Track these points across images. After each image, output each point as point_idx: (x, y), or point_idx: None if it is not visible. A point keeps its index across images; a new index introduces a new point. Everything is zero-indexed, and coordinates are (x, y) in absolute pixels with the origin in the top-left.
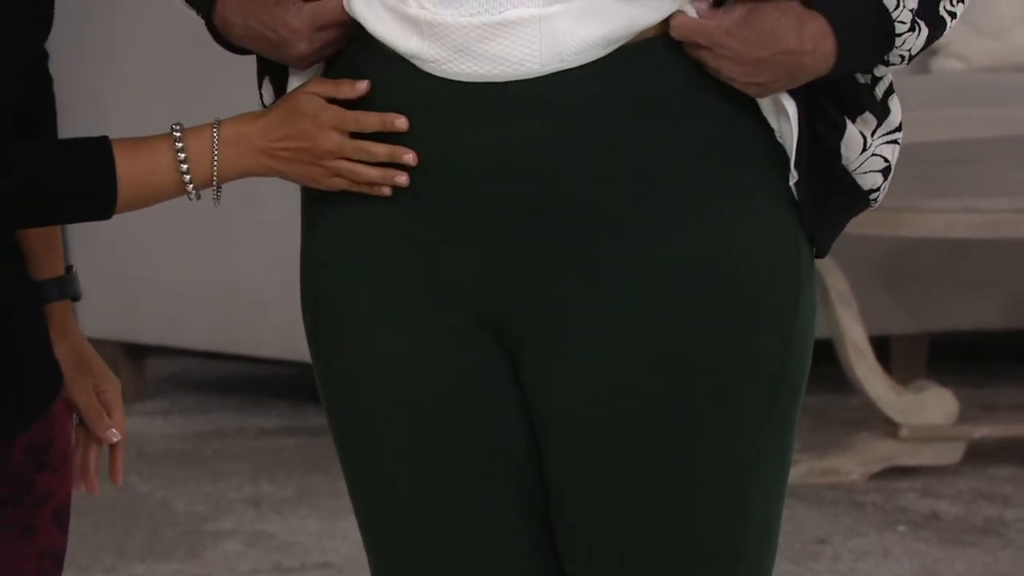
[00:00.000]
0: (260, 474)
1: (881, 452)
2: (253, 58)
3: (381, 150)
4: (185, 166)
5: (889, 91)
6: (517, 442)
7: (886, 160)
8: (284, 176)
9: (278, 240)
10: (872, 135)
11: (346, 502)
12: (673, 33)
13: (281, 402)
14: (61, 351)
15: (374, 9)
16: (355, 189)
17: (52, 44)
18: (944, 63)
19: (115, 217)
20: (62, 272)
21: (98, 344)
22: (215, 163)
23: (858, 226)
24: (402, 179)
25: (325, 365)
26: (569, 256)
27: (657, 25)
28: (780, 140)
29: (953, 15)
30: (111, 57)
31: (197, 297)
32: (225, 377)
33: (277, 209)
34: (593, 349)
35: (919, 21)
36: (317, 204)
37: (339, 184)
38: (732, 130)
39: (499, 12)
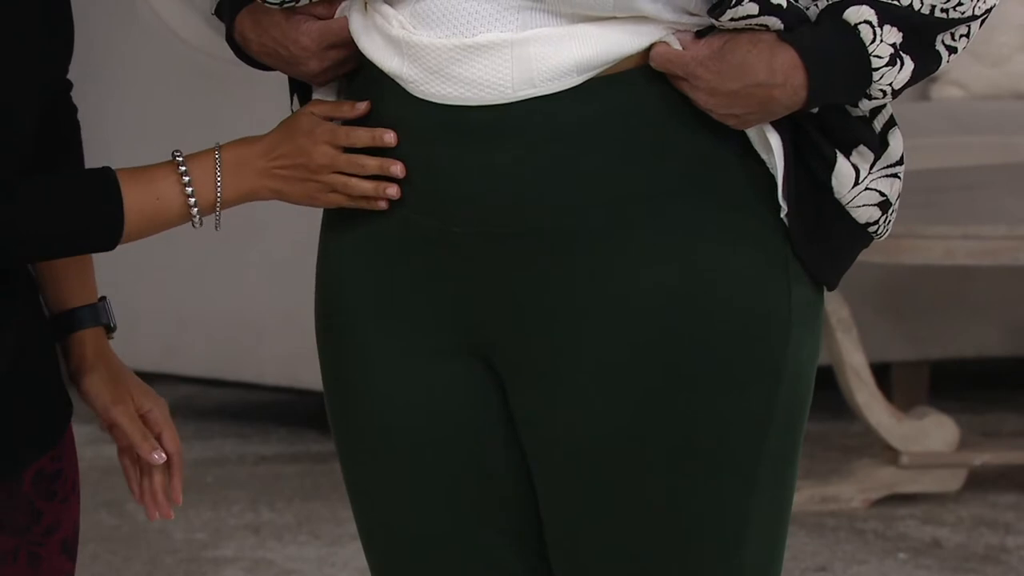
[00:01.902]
0: (260, 501)
1: (882, 479)
2: (253, 87)
3: (372, 162)
4: (190, 189)
5: (890, 124)
6: (510, 472)
7: (882, 194)
8: (285, 197)
9: (279, 267)
10: (870, 169)
11: (346, 529)
12: (652, 63)
13: (281, 429)
14: (97, 378)
15: (367, 30)
16: (351, 204)
17: None
18: (944, 91)
19: None
20: (95, 300)
21: None
22: (219, 187)
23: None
24: (393, 191)
25: (329, 390)
26: (546, 286)
27: (638, 55)
28: (773, 172)
29: (953, 50)
30: (113, 87)
31: (197, 324)
32: (225, 404)
33: (278, 236)
34: (575, 383)
35: (903, 55)
36: (331, 230)
37: (336, 199)
38: (715, 162)
39: (472, 35)
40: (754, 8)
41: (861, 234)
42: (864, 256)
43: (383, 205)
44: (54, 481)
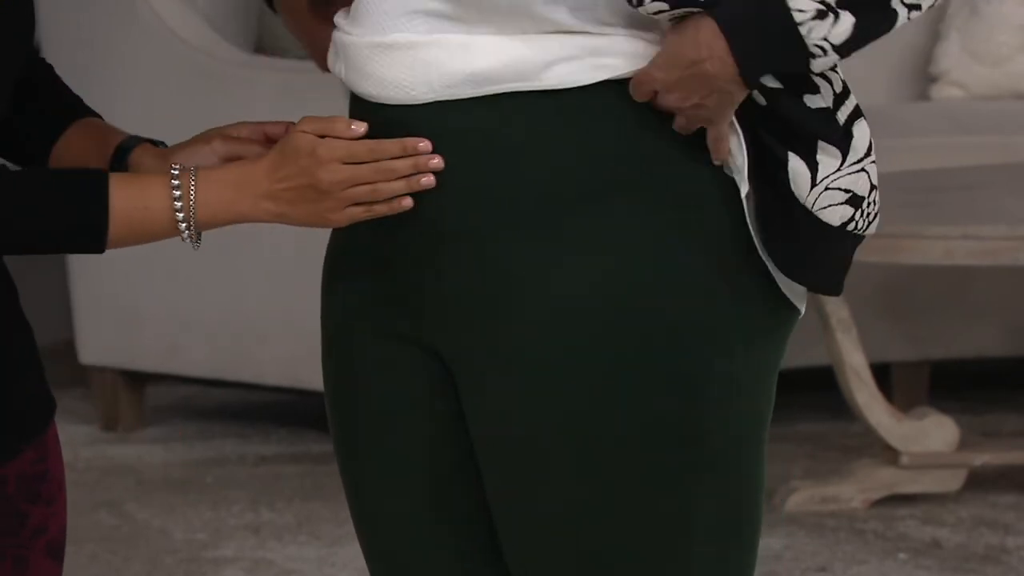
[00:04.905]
0: (260, 501)
1: (882, 479)
2: (253, 87)
3: (403, 165)
4: (179, 203)
5: (855, 115)
6: (467, 467)
7: (847, 191)
8: (288, 219)
9: (279, 268)
10: (839, 167)
11: (346, 529)
12: (636, 97)
13: (282, 429)
14: (181, 151)
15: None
16: (371, 216)
17: None
18: (943, 91)
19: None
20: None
21: (98, 371)
22: (209, 205)
23: (857, 253)
24: (428, 180)
25: (325, 384)
26: (472, 287)
27: (569, 74)
28: (729, 173)
29: (915, 7)
30: (113, 87)
31: (198, 325)
32: (226, 405)
33: (279, 238)
34: (507, 382)
35: (839, 10)
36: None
37: (355, 214)
38: (632, 170)
39: (384, 34)
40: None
41: (840, 234)
42: (864, 256)
43: (409, 203)
44: (39, 483)
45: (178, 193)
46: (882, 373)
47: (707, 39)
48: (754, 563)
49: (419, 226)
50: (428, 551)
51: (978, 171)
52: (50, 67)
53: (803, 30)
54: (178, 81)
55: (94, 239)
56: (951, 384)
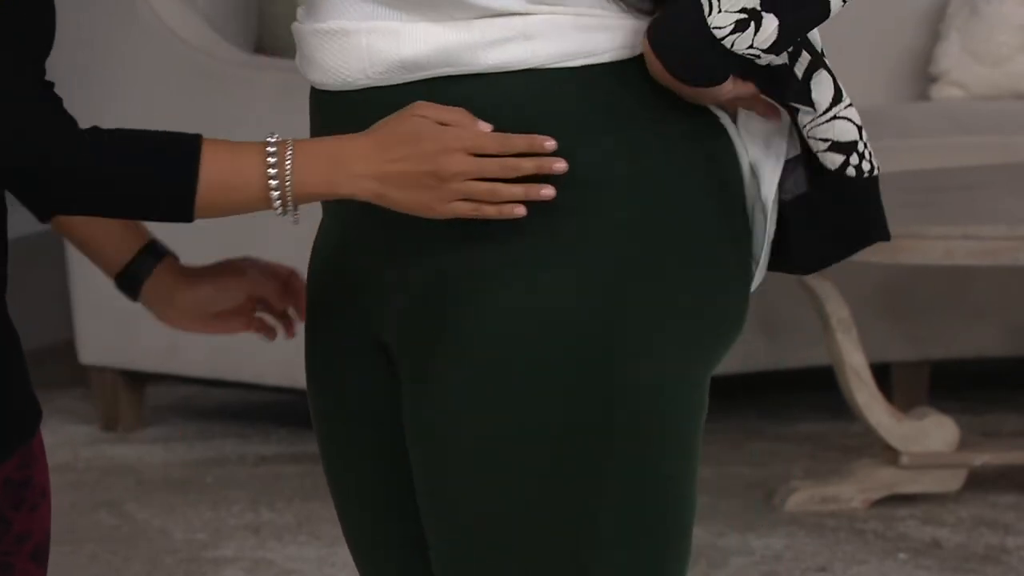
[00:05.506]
0: (260, 501)
1: (882, 479)
2: (253, 87)
3: (528, 164)
4: (274, 175)
5: (813, 67)
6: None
7: (824, 140)
8: (391, 201)
9: None
10: (809, 121)
11: None
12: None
13: (282, 429)
14: (203, 293)
15: None
16: (478, 214)
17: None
18: (944, 91)
19: None
20: (145, 241)
21: (98, 371)
22: (305, 179)
23: (858, 253)
24: (549, 191)
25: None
26: (407, 288)
27: (494, 55)
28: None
29: None
30: (113, 87)
31: None
32: (225, 405)
33: (278, 236)
34: (430, 392)
35: (762, 14)
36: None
37: (460, 209)
38: (563, 155)
39: (323, 21)
40: None
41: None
42: (864, 256)
43: (522, 212)
44: (23, 489)
45: (273, 160)
46: (882, 373)
47: (649, 57)
48: (680, 572)
49: (368, 215)
50: (389, 549)
51: (978, 171)
52: (59, 100)
53: (727, 44)
54: (178, 81)
55: (181, 209)
56: (951, 384)
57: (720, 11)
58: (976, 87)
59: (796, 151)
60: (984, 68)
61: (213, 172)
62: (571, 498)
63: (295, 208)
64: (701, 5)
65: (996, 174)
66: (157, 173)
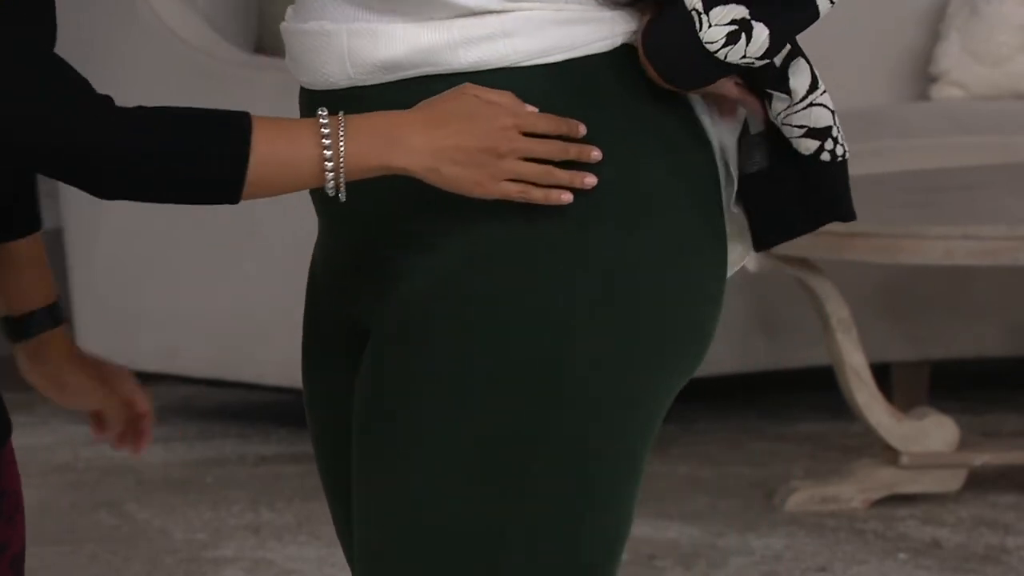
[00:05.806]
0: (260, 501)
1: (882, 479)
2: (253, 87)
3: (573, 149)
4: (328, 152)
5: (791, 56)
6: None
7: (800, 127)
8: (444, 180)
9: (279, 268)
10: (785, 108)
11: None
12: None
13: (282, 429)
14: (79, 376)
15: None
16: (524, 197)
17: None
18: (944, 91)
19: (115, 244)
20: (53, 300)
21: None
22: (359, 155)
23: (858, 253)
24: (591, 180)
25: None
26: (378, 267)
27: (467, 54)
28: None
29: None
30: (113, 87)
31: (197, 325)
32: (226, 405)
33: (278, 236)
34: (366, 377)
35: (752, 24)
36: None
37: (509, 190)
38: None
39: (305, 21)
40: None
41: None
42: (864, 256)
43: (568, 198)
44: None
45: (328, 142)
46: (882, 373)
47: (645, 62)
48: None
49: (349, 208)
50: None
51: (978, 171)
52: (86, 81)
53: (719, 56)
54: (178, 81)
55: (230, 189)
56: (951, 384)
57: (711, 26)
58: (976, 87)
59: (759, 128)
60: (984, 68)
61: (265, 152)
62: (491, 503)
63: (344, 186)
64: (692, 20)
65: (996, 174)
66: (207, 152)
